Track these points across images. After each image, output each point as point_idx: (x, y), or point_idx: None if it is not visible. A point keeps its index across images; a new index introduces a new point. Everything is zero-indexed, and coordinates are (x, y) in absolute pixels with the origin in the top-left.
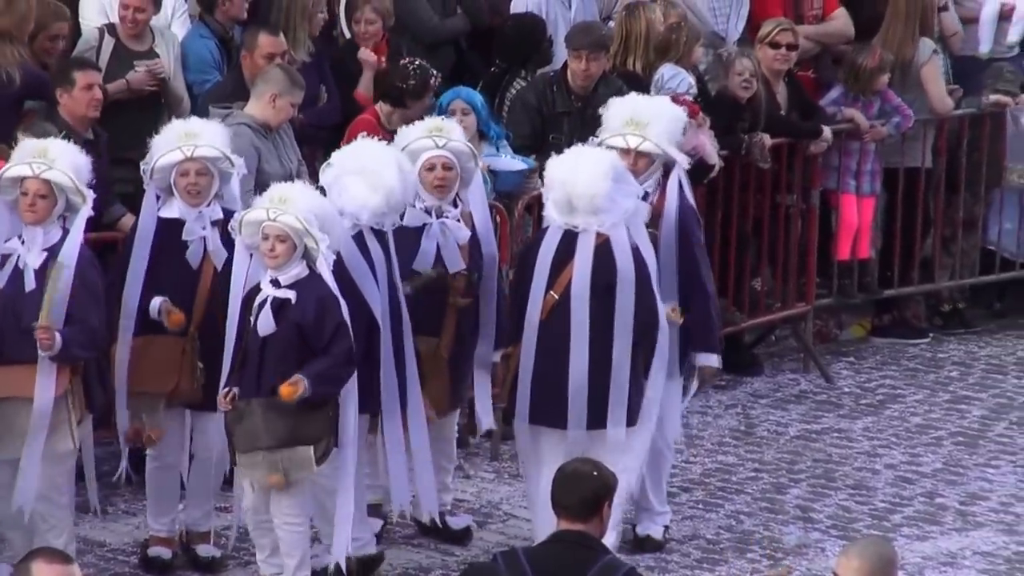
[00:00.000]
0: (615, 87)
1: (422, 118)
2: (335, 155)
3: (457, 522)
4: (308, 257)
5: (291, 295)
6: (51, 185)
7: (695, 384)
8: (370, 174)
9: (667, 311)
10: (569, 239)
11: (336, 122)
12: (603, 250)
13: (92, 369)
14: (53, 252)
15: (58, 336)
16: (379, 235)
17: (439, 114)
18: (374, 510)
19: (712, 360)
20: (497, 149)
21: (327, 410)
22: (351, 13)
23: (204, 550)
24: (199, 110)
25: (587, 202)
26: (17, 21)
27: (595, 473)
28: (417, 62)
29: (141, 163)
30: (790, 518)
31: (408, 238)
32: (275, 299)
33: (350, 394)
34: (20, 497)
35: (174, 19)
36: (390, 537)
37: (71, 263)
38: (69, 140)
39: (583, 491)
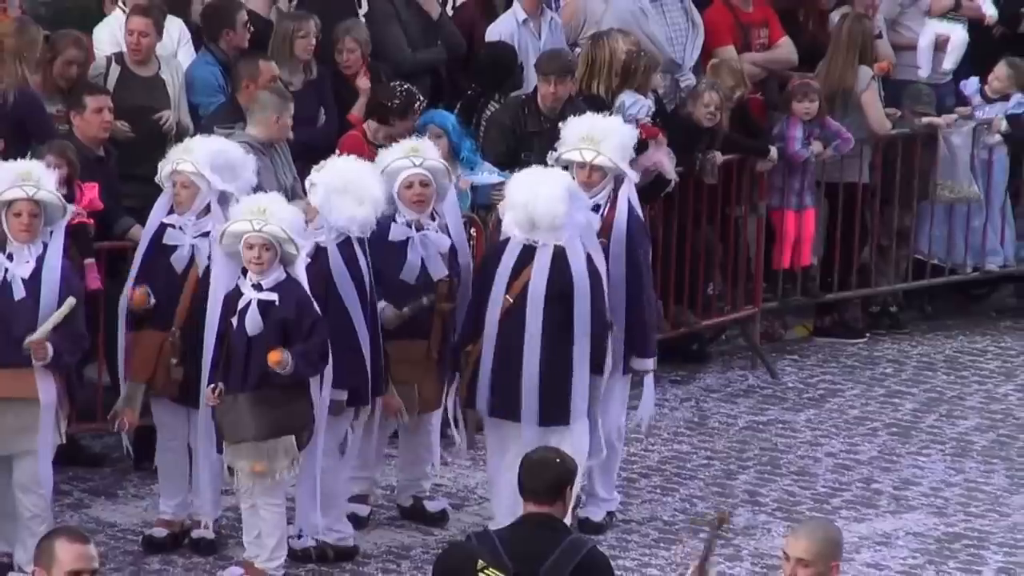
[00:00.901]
0: (580, 109)
1: (407, 136)
2: (316, 176)
3: (434, 505)
4: (285, 261)
5: (274, 297)
6: (40, 204)
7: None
8: (356, 189)
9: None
10: (528, 249)
11: (333, 141)
12: (559, 259)
13: (71, 369)
14: (39, 262)
15: (50, 347)
16: (360, 243)
17: (417, 135)
18: (360, 498)
19: (647, 364)
20: (472, 167)
21: (306, 404)
22: (333, 43)
23: (196, 532)
24: (203, 129)
25: (548, 222)
26: (27, 43)
27: (558, 460)
28: (404, 85)
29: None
30: (739, 502)
31: (393, 252)
32: (261, 301)
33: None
34: (31, 493)
35: (180, 46)
36: (375, 520)
37: (79, 295)
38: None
39: (548, 477)
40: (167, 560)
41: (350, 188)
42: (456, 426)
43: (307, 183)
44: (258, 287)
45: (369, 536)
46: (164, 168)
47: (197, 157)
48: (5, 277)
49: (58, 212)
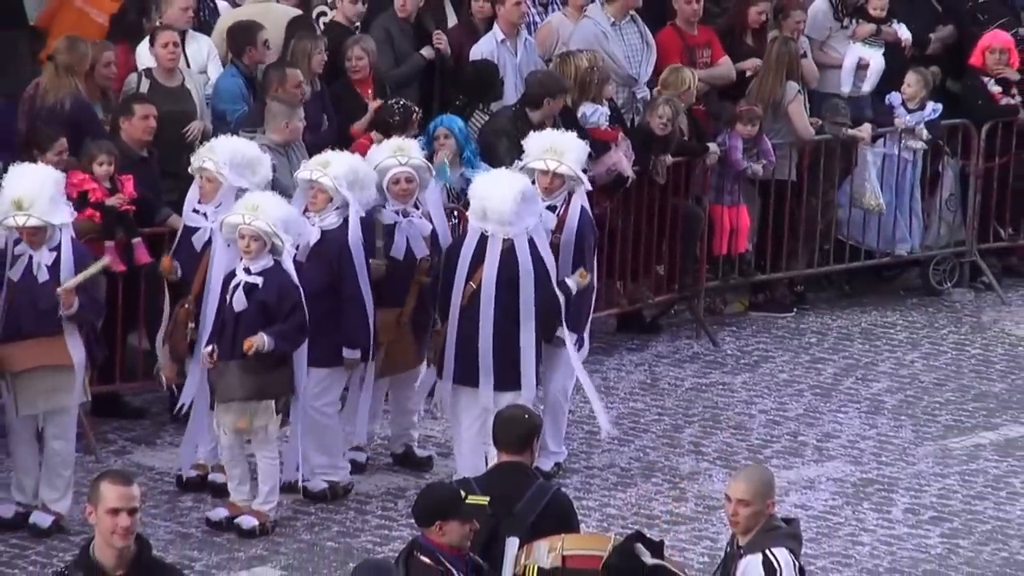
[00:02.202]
0: (550, 121)
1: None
2: (330, 169)
3: (421, 452)
4: (275, 251)
5: (259, 280)
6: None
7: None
8: (363, 178)
9: (577, 276)
10: (484, 241)
11: (333, 143)
12: (508, 252)
13: (92, 336)
14: (58, 251)
15: (76, 300)
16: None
17: (426, 137)
18: (358, 448)
19: (570, 338)
20: (472, 166)
21: (286, 373)
22: (344, 52)
23: (212, 476)
24: (231, 134)
25: (497, 215)
26: (78, 59)
27: (526, 416)
28: (402, 102)
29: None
30: (685, 451)
31: (385, 235)
32: (247, 283)
33: (300, 357)
34: (58, 444)
35: (209, 61)
36: (374, 465)
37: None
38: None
39: (518, 430)
40: (198, 498)
41: (359, 179)
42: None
43: (305, 175)
44: (247, 271)
45: (369, 480)
46: (194, 162)
47: (219, 157)
48: (31, 264)
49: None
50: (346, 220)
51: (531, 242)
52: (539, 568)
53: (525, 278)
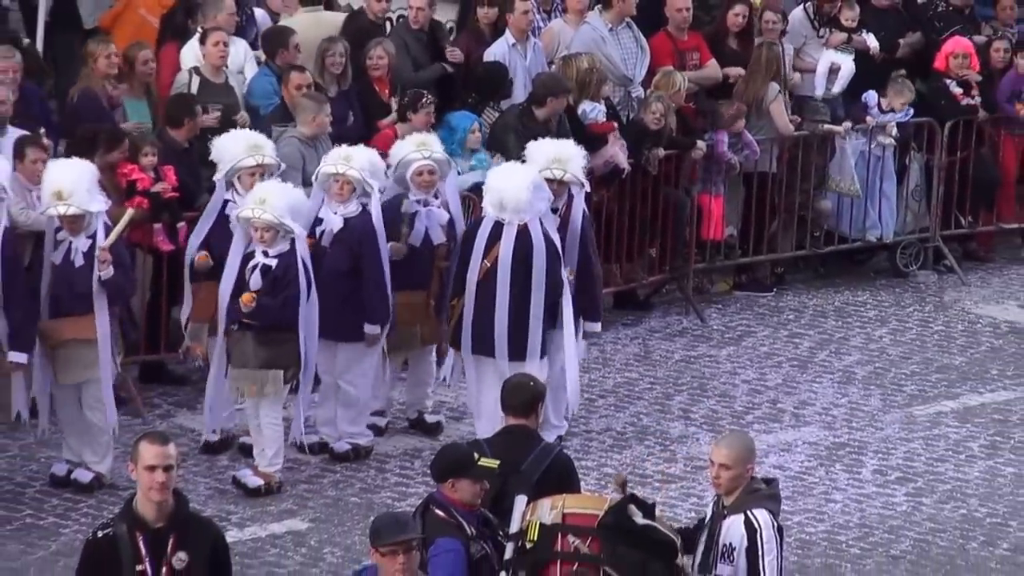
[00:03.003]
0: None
1: (424, 128)
2: (353, 161)
3: (432, 418)
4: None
5: (273, 263)
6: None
7: (583, 344)
8: (379, 170)
9: (566, 273)
10: (498, 225)
11: (359, 136)
12: (523, 235)
13: (126, 316)
14: (93, 238)
15: (111, 267)
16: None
17: (457, 133)
18: (379, 413)
19: (596, 327)
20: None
21: (295, 349)
22: (366, 53)
23: (243, 439)
24: (263, 127)
25: (513, 205)
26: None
27: (532, 384)
28: (409, 90)
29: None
30: (675, 417)
31: (406, 222)
32: (263, 265)
33: (312, 332)
34: (95, 410)
35: (246, 61)
36: (393, 428)
37: (124, 262)
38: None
39: (525, 396)
40: (234, 458)
41: (379, 170)
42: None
43: (333, 168)
44: (265, 254)
45: (389, 441)
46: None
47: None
48: (69, 249)
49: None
50: (365, 207)
51: (541, 224)
52: (541, 523)
53: (538, 256)
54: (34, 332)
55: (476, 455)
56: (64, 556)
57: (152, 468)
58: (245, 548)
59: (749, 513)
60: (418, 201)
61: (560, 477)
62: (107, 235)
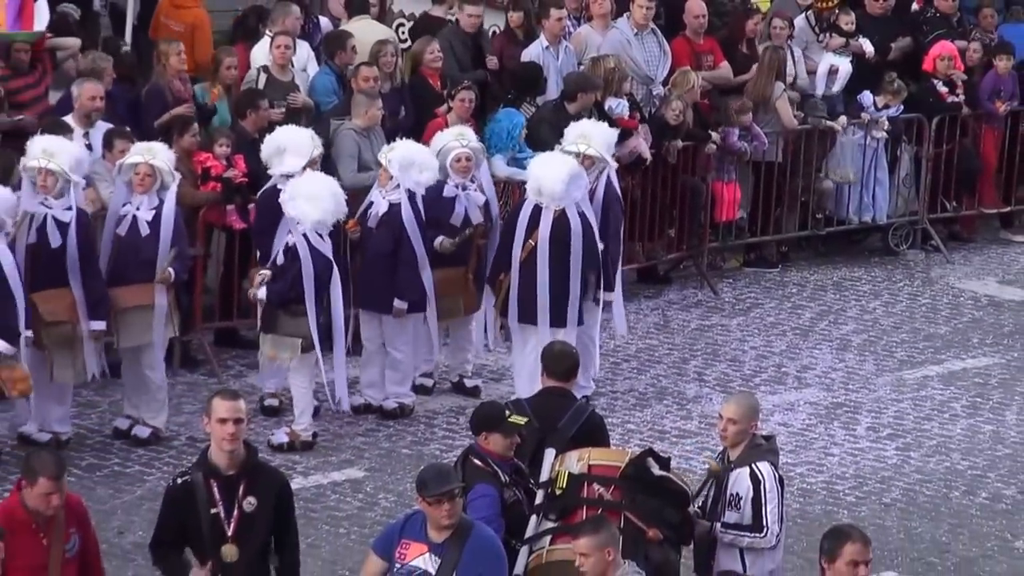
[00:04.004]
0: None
1: (468, 108)
2: (391, 153)
3: (470, 382)
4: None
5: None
6: (155, 168)
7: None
8: (420, 162)
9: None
10: (538, 209)
11: (410, 128)
12: (560, 218)
13: (181, 287)
14: (158, 210)
15: (172, 272)
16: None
17: (505, 131)
18: (426, 375)
19: (610, 296)
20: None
21: (307, 323)
22: (421, 52)
23: (267, 400)
24: (324, 121)
25: (549, 191)
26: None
27: (572, 352)
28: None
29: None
30: (690, 379)
31: (447, 205)
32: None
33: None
34: (153, 371)
35: (308, 61)
36: (439, 389)
37: (182, 235)
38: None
39: (567, 363)
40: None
41: (416, 161)
42: (488, 329)
43: (380, 157)
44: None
45: (436, 400)
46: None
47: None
48: (135, 219)
49: (169, 177)
50: (412, 195)
51: (580, 211)
52: (569, 473)
53: (575, 239)
54: (107, 302)
55: (507, 412)
56: (147, 500)
57: (223, 421)
58: (308, 494)
59: (754, 466)
60: (456, 185)
61: (592, 434)
62: (178, 203)
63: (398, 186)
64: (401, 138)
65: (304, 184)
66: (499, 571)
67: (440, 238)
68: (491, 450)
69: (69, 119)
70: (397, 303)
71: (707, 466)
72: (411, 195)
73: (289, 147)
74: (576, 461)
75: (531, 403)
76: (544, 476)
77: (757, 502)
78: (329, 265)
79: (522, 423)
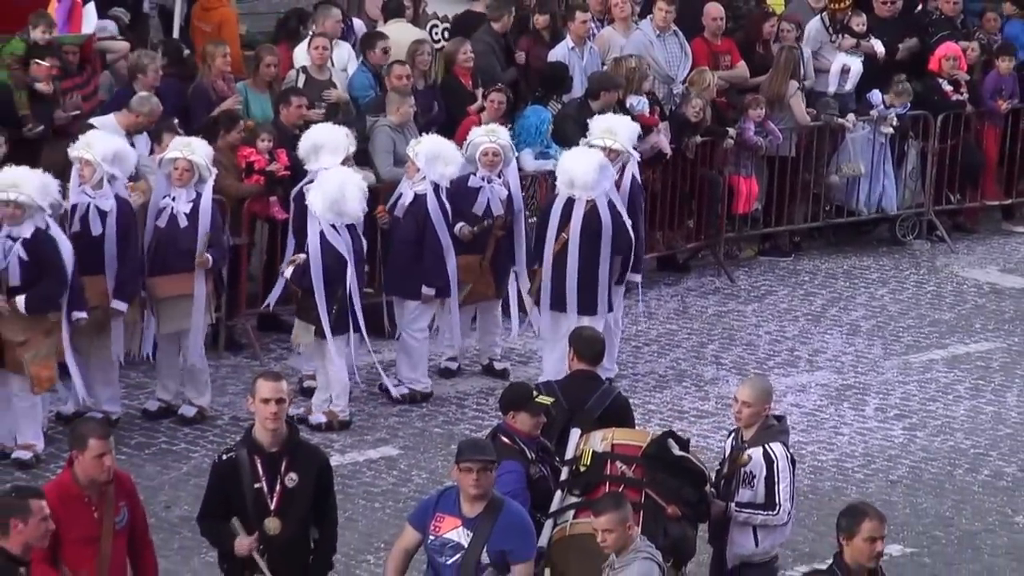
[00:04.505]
0: (609, 109)
1: (501, 104)
2: (418, 147)
3: (499, 365)
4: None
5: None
6: (193, 163)
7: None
8: (445, 156)
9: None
10: (570, 202)
11: (442, 124)
12: (592, 210)
13: (219, 276)
14: (196, 203)
15: (209, 258)
16: (444, 191)
17: (533, 127)
18: (452, 359)
19: (637, 278)
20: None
21: (316, 311)
22: (454, 53)
23: (306, 382)
24: (361, 116)
25: (582, 183)
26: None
27: (601, 337)
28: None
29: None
30: (708, 362)
31: (471, 195)
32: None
33: (355, 291)
34: (192, 354)
35: (349, 61)
36: (471, 371)
37: (218, 227)
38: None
39: (597, 348)
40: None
41: (442, 155)
42: (514, 315)
43: (408, 151)
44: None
45: (466, 382)
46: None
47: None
48: (173, 211)
49: (206, 172)
50: (437, 186)
51: (609, 201)
52: (594, 451)
53: (605, 230)
54: (137, 287)
55: (535, 392)
56: (193, 476)
57: (267, 401)
58: (345, 471)
59: (767, 447)
60: (483, 177)
61: (618, 414)
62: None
63: (424, 178)
64: (431, 133)
65: (324, 177)
66: (527, 546)
67: (460, 224)
68: (518, 428)
69: (113, 117)
70: (425, 289)
71: (734, 457)
72: (436, 187)
73: (325, 145)
74: (600, 440)
75: (560, 385)
76: (569, 454)
77: (770, 481)
78: (341, 259)
79: (548, 403)
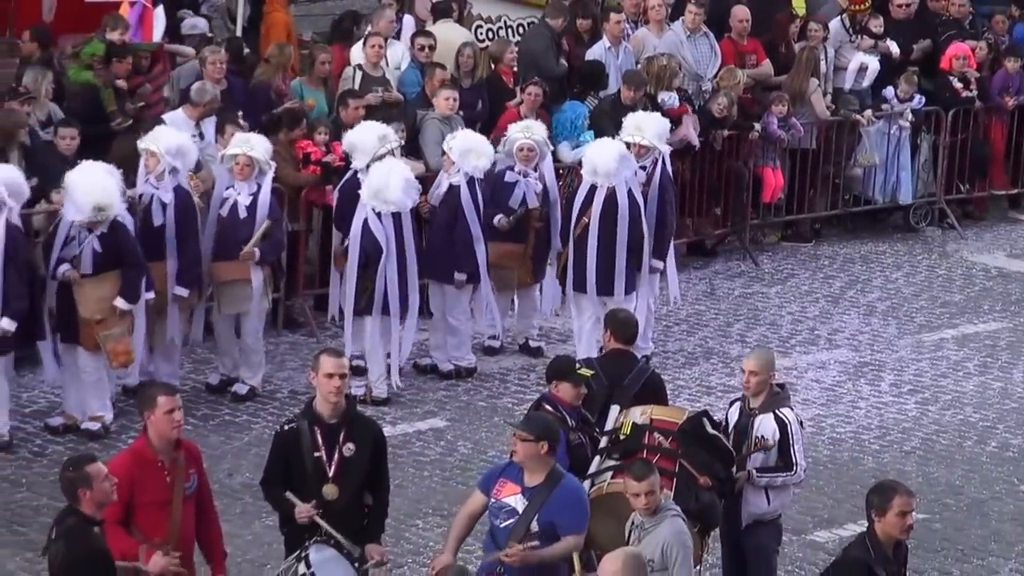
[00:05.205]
0: (641, 104)
1: (536, 100)
2: (452, 141)
3: (535, 343)
4: None
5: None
6: (252, 158)
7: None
8: (476, 149)
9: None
10: (593, 188)
11: (485, 119)
12: (611, 197)
13: (276, 263)
14: (255, 195)
15: (256, 252)
16: (478, 183)
17: (569, 121)
18: (493, 337)
19: (660, 265)
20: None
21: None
22: (501, 54)
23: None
24: (410, 109)
25: (604, 171)
26: (285, 61)
27: (635, 319)
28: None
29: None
30: (734, 340)
31: (508, 188)
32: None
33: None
34: (250, 336)
35: (403, 59)
36: (510, 350)
37: (277, 217)
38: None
39: (632, 329)
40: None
41: (473, 148)
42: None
43: (444, 145)
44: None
45: (508, 359)
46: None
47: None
48: (235, 203)
49: (265, 165)
50: (472, 178)
51: (629, 191)
52: (634, 423)
53: (622, 216)
54: (197, 274)
55: (578, 365)
56: (254, 446)
57: (330, 376)
58: (396, 441)
59: (778, 412)
60: (519, 172)
61: (653, 390)
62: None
63: (459, 170)
64: (476, 128)
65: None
66: (575, 521)
67: (499, 216)
68: (561, 397)
69: (181, 111)
70: (457, 275)
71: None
72: (471, 179)
73: (357, 146)
74: (640, 414)
75: (600, 362)
76: (609, 426)
77: (785, 443)
78: (378, 246)
79: (589, 375)
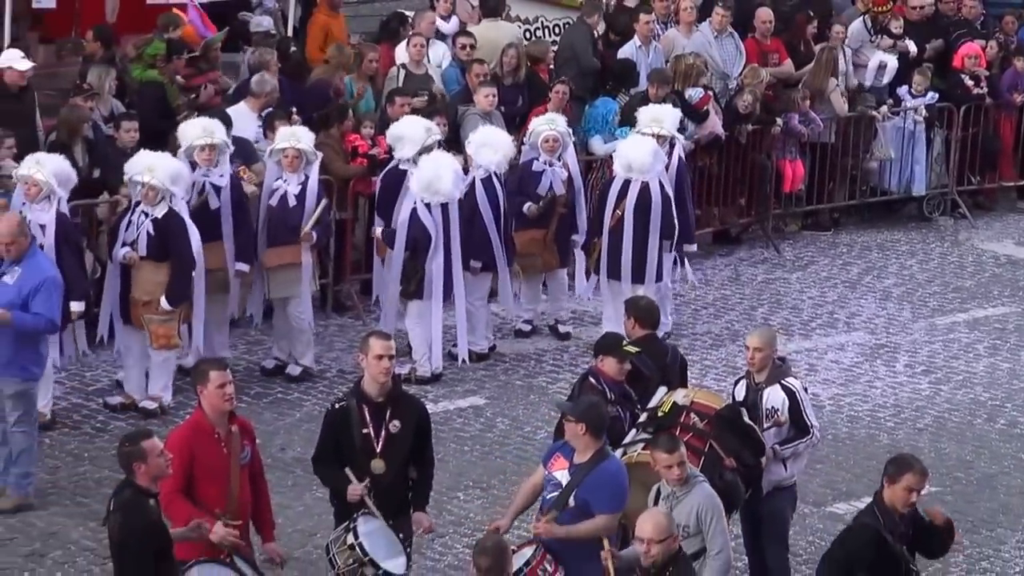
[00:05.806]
0: (670, 100)
1: (561, 107)
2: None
3: (563, 328)
4: None
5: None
6: (300, 151)
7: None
8: (494, 144)
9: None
10: (626, 183)
11: (524, 115)
12: (644, 189)
13: (324, 250)
14: (303, 185)
15: (314, 235)
16: (497, 177)
17: (601, 116)
18: (528, 321)
19: (692, 247)
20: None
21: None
22: (542, 57)
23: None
24: (451, 105)
25: (638, 166)
26: (345, 61)
27: (656, 305)
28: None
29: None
30: (758, 324)
31: (535, 177)
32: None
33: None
34: (297, 317)
35: (444, 57)
36: (540, 334)
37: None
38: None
39: (654, 315)
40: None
41: (490, 144)
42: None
43: (465, 142)
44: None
45: (544, 340)
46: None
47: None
48: (285, 192)
49: (312, 156)
50: (492, 174)
51: (660, 184)
52: (675, 402)
53: (655, 207)
54: (253, 251)
55: (624, 341)
56: (305, 423)
57: (380, 357)
58: (438, 418)
59: (784, 382)
60: (545, 162)
61: (682, 370)
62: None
63: (479, 165)
64: (513, 123)
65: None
66: (606, 501)
67: (528, 204)
68: (604, 371)
69: (244, 104)
70: (473, 262)
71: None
72: (488, 172)
73: (405, 136)
74: (683, 396)
75: (639, 344)
76: (652, 403)
77: (796, 411)
78: (427, 234)
79: (634, 352)
